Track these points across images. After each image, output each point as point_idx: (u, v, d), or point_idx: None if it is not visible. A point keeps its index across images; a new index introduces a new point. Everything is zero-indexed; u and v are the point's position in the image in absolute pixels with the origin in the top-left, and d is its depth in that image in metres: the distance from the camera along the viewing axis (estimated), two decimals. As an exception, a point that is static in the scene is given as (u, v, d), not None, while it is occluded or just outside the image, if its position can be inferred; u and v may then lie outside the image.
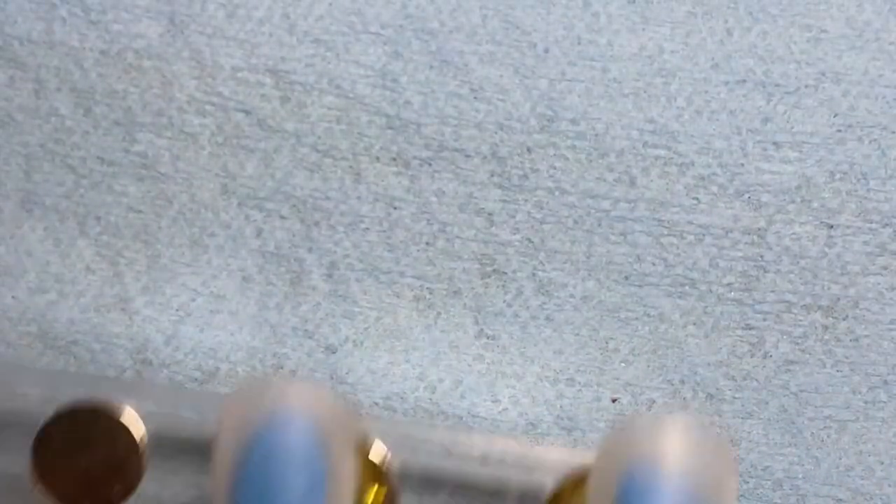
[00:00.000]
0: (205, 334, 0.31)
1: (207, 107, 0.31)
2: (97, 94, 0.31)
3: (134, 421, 0.27)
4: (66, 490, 0.27)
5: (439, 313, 0.31)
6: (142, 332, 0.31)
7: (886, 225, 0.30)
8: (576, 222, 0.30)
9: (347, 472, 0.24)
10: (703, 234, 0.30)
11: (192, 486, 0.29)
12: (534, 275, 0.31)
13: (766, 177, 0.30)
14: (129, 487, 0.27)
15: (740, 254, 0.30)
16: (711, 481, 0.23)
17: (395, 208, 0.30)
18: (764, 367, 0.30)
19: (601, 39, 0.31)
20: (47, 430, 0.27)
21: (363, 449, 0.27)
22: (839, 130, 0.30)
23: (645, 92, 0.31)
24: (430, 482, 0.29)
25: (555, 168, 0.31)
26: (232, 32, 0.31)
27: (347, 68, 0.31)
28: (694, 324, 0.30)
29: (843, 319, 0.30)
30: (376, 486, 0.27)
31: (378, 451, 0.27)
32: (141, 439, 0.27)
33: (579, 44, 0.31)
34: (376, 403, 0.30)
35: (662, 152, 0.30)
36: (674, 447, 0.23)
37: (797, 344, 0.30)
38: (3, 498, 0.28)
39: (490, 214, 0.30)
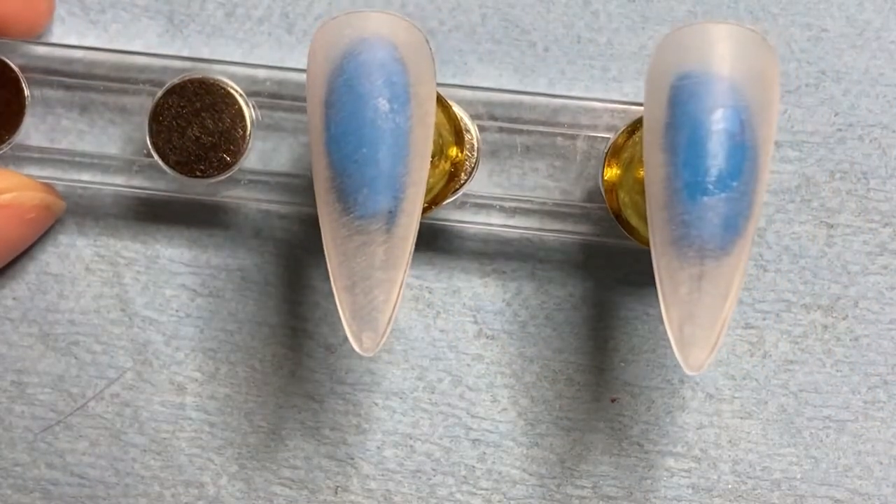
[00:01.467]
0: (205, 334, 0.31)
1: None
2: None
3: (238, 93, 0.28)
4: (179, 158, 0.28)
5: (438, 313, 0.31)
6: (142, 333, 0.31)
7: (886, 224, 0.30)
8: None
9: (428, 90, 0.25)
10: (703, 234, 0.30)
11: (293, 150, 0.30)
12: (533, 274, 0.30)
13: (766, 176, 0.30)
14: (237, 154, 0.28)
15: (740, 253, 0.30)
16: (759, 81, 0.24)
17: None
18: (763, 366, 0.30)
19: (601, 38, 0.31)
20: (159, 105, 0.28)
21: (446, 107, 0.27)
22: (839, 129, 0.30)
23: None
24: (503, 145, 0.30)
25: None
26: (231, 32, 0.31)
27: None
28: (694, 322, 0.30)
29: (843, 319, 0.30)
30: (459, 146, 0.28)
31: (459, 111, 0.28)
32: (246, 109, 0.28)
33: (579, 42, 0.31)
34: (376, 403, 0.30)
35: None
36: (721, 50, 0.24)
37: (797, 343, 0.30)
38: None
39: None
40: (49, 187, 0.30)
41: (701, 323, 0.24)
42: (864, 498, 0.30)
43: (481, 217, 0.29)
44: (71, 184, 0.30)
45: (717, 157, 0.23)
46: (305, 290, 0.31)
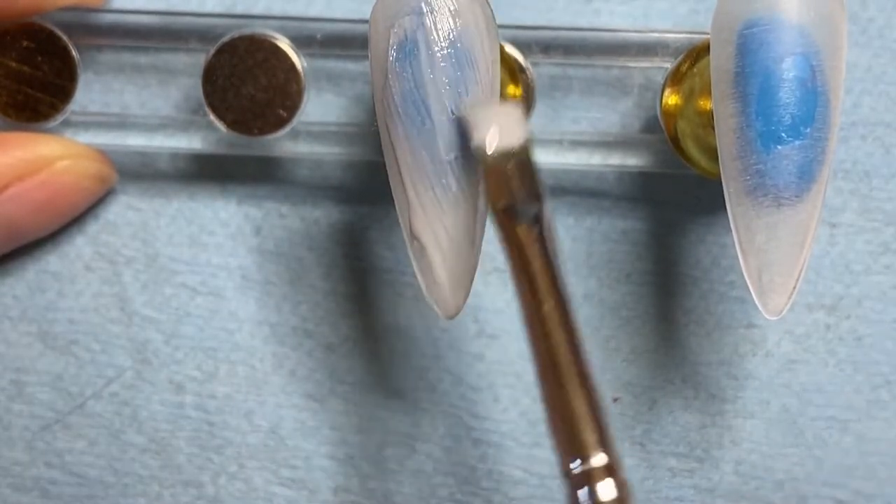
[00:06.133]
0: (204, 333, 0.31)
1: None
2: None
3: (289, 47, 0.28)
4: (235, 117, 0.28)
5: (440, 312, 0.31)
6: (141, 332, 0.31)
7: (889, 224, 0.30)
8: (576, 220, 0.30)
9: (492, 56, 0.25)
10: (706, 233, 0.30)
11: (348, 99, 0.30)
12: (535, 273, 0.30)
13: (768, 175, 0.30)
14: (293, 109, 0.28)
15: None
16: (827, 25, 0.24)
17: (394, 207, 0.30)
18: (766, 366, 0.30)
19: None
20: (212, 64, 0.28)
21: (502, 48, 0.27)
22: (842, 128, 0.30)
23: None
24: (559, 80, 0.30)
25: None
26: None
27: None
28: (696, 322, 0.30)
29: (846, 318, 0.30)
30: (514, 84, 0.28)
31: (513, 51, 0.28)
32: (298, 63, 0.28)
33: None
34: (376, 403, 0.30)
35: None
36: None
37: (799, 343, 0.30)
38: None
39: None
40: (104, 157, 0.30)
41: (779, 270, 0.25)
42: (868, 498, 0.30)
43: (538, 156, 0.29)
44: (125, 149, 0.30)
45: (789, 105, 0.24)
46: (306, 289, 0.31)
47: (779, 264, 0.25)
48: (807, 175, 0.24)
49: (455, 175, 0.24)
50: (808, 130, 0.24)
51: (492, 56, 0.25)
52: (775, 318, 0.25)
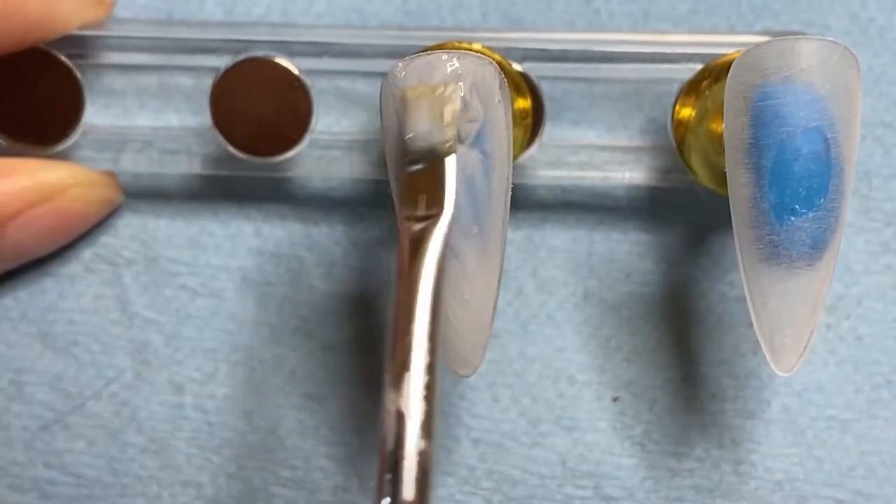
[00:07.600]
0: (204, 335, 0.31)
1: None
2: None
3: (296, 69, 0.28)
4: (244, 139, 0.28)
5: (439, 312, 0.30)
6: (142, 333, 0.31)
7: (889, 223, 0.30)
8: (577, 220, 0.30)
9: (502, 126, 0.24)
10: (706, 233, 0.30)
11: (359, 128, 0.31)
12: (535, 273, 0.30)
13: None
14: (302, 129, 0.28)
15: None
16: (843, 96, 0.24)
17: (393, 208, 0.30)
18: (766, 365, 0.30)
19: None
20: (219, 84, 0.28)
21: (507, 67, 0.28)
22: (842, 128, 0.30)
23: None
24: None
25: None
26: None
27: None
28: (696, 322, 0.30)
29: (846, 318, 0.30)
30: (523, 98, 0.28)
31: (520, 68, 0.28)
32: (306, 85, 0.28)
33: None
34: (375, 403, 0.30)
35: (664, 150, 0.30)
36: (802, 68, 0.24)
37: (799, 343, 0.30)
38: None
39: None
40: (112, 179, 0.30)
41: (792, 333, 0.25)
42: (867, 498, 0.30)
43: (549, 171, 0.29)
44: (133, 170, 0.30)
45: (803, 179, 0.24)
46: (306, 290, 0.31)
47: (791, 327, 0.25)
48: (820, 244, 0.24)
49: (472, 251, 0.24)
50: (822, 201, 0.24)
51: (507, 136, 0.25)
52: (786, 375, 0.25)
